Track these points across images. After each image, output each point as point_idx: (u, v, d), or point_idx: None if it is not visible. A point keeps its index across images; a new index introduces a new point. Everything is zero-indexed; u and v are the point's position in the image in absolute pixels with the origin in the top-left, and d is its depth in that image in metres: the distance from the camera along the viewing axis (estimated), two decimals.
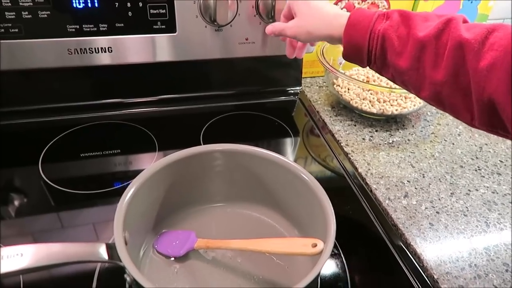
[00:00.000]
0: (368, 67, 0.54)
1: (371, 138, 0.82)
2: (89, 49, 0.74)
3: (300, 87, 0.96)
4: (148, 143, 0.76)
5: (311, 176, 0.52)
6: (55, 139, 0.75)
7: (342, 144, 0.79)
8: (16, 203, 0.63)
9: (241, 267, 0.53)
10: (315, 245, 0.45)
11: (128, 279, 0.41)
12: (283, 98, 0.95)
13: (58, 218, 0.62)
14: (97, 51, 0.75)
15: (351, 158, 0.76)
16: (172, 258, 0.54)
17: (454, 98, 0.44)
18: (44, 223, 0.60)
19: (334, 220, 0.47)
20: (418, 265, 0.57)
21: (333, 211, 0.48)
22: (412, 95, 0.83)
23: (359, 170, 0.73)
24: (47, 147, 0.73)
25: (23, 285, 0.50)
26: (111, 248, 0.43)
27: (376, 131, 0.84)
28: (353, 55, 0.54)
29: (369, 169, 0.73)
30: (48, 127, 0.78)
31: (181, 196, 0.58)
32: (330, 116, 0.87)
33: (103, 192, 0.64)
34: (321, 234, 0.47)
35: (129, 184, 0.50)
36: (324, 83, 1.00)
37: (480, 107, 0.41)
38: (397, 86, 0.53)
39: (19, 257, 0.38)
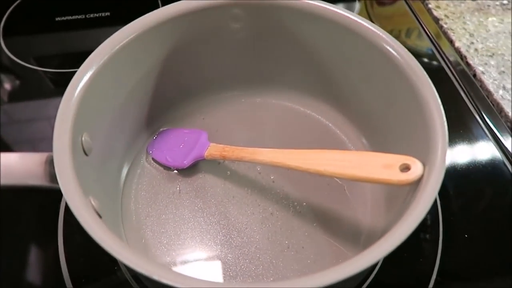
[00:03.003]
0: None
1: None
2: None
3: None
4: (148, 2, 0.53)
5: (405, 49, 0.30)
6: (18, 2, 0.54)
7: (430, 5, 0.53)
8: None
9: (274, 188, 0.35)
10: (406, 168, 0.25)
11: None
12: None
13: (30, 107, 0.45)
14: None
15: (445, 26, 0.51)
16: (175, 171, 0.37)
17: None
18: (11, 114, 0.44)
19: (445, 127, 0.26)
20: None
21: (442, 111, 0.27)
22: None
23: (457, 44, 0.49)
24: (8, 12, 0.53)
25: None
26: (52, 163, 0.25)
27: None
28: None
29: (473, 43, 0.49)
30: None
31: (188, 78, 0.38)
32: None
33: None
34: (415, 150, 0.27)
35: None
36: None
37: None
38: None
39: None
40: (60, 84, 0.47)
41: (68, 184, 0.23)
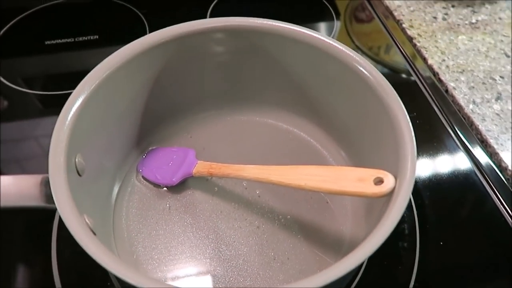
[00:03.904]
0: None
1: (446, 16, 0.58)
2: None
3: None
4: (136, 27, 0.56)
5: (375, 69, 0.32)
6: (11, 23, 0.55)
7: (404, 25, 0.57)
8: None
9: (260, 202, 0.37)
10: (380, 181, 0.27)
11: None
12: None
13: (21, 129, 0.46)
14: None
15: (418, 45, 0.54)
16: (164, 188, 0.38)
17: None
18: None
19: (414, 142, 0.28)
20: None
21: (411, 127, 0.29)
22: None
23: (430, 61, 0.52)
24: (1, 33, 0.54)
25: None
26: (47, 185, 0.27)
27: (453, 6, 0.59)
28: None
29: (444, 60, 0.52)
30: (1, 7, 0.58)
31: (175, 99, 0.40)
32: None
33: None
34: (388, 162, 0.29)
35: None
36: None
37: None
38: None
39: None
40: (48, 105, 0.48)
41: (64, 204, 0.24)
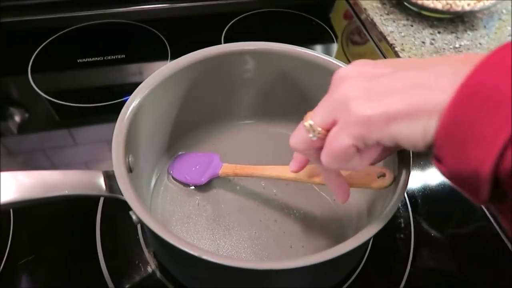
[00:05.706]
0: None
1: (433, 41, 0.65)
2: None
3: None
4: (158, 47, 0.62)
5: None
6: (47, 42, 0.61)
7: (396, 48, 0.64)
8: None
9: (276, 199, 0.43)
10: (382, 175, 0.33)
11: (134, 217, 0.31)
12: None
13: (52, 136, 0.51)
14: None
15: None
16: (192, 187, 0.44)
17: None
18: (35, 143, 0.50)
19: None
20: None
21: None
22: None
23: None
24: (37, 51, 0.60)
25: (14, 223, 0.41)
26: (109, 178, 0.32)
27: (439, 33, 0.67)
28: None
29: None
30: (38, 28, 0.64)
31: (201, 110, 0.46)
32: (381, 15, 0.70)
33: (105, 106, 0.53)
34: (389, 163, 0.35)
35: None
36: None
37: None
38: None
39: None
40: (79, 116, 0.53)
41: (130, 193, 0.30)
